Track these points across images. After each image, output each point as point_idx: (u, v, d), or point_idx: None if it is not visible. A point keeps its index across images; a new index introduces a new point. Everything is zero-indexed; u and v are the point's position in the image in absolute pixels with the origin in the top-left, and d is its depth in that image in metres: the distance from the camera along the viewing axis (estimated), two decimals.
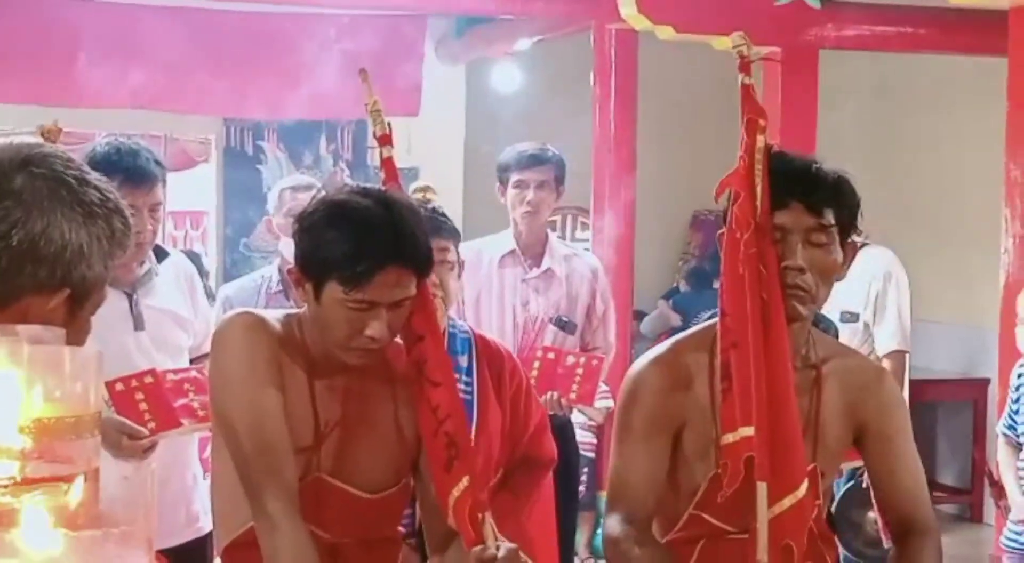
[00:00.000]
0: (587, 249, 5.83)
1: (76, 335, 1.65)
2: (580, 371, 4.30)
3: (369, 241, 2.33)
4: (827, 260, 2.39)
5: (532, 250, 4.69)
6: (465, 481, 2.42)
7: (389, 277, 2.35)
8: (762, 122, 2.35)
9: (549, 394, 4.20)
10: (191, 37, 6.96)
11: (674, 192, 9.13)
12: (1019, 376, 4.57)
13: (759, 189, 2.33)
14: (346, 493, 2.52)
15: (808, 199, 2.37)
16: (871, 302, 5.08)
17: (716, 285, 9.44)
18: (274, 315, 2.55)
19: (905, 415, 2.58)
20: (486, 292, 4.61)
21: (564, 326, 4.60)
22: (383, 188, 2.48)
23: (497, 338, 3.44)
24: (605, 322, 4.71)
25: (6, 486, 1.04)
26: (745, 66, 2.37)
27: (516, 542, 2.42)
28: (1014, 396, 4.58)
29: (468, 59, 8.24)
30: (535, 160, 4.61)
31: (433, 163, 7.14)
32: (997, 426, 4.62)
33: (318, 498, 2.48)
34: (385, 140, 2.59)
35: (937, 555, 2.53)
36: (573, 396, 4.29)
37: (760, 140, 2.35)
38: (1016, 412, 4.55)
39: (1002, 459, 4.56)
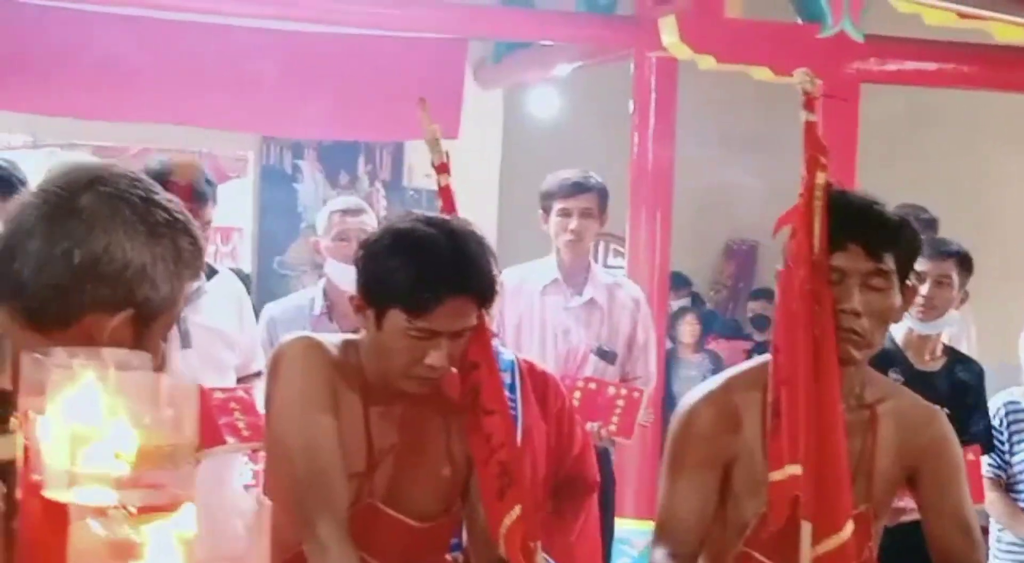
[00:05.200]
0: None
1: None
2: (621, 403, 4.29)
3: (434, 270, 2.34)
4: (884, 304, 2.37)
5: (574, 278, 4.68)
6: (517, 510, 2.42)
7: (453, 307, 2.35)
8: (823, 159, 2.34)
9: (589, 425, 4.19)
10: (233, 55, 6.98)
11: (707, 221, 9.11)
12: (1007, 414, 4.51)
13: (817, 226, 2.31)
14: (396, 520, 2.52)
15: (867, 242, 2.35)
16: None
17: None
18: (332, 340, 2.55)
19: (958, 455, 2.56)
20: (527, 320, 4.61)
21: (605, 356, 4.59)
22: (447, 217, 2.49)
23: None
24: (646, 352, 4.70)
25: (115, 516, 1.04)
26: (810, 103, 2.35)
27: None
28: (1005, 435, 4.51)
29: (506, 84, 8.24)
30: (579, 188, 4.60)
31: (468, 187, 7.11)
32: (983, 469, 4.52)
33: (368, 525, 2.48)
34: (443, 168, 2.59)
35: None
36: (613, 428, 4.28)
37: (821, 177, 2.33)
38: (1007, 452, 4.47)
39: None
